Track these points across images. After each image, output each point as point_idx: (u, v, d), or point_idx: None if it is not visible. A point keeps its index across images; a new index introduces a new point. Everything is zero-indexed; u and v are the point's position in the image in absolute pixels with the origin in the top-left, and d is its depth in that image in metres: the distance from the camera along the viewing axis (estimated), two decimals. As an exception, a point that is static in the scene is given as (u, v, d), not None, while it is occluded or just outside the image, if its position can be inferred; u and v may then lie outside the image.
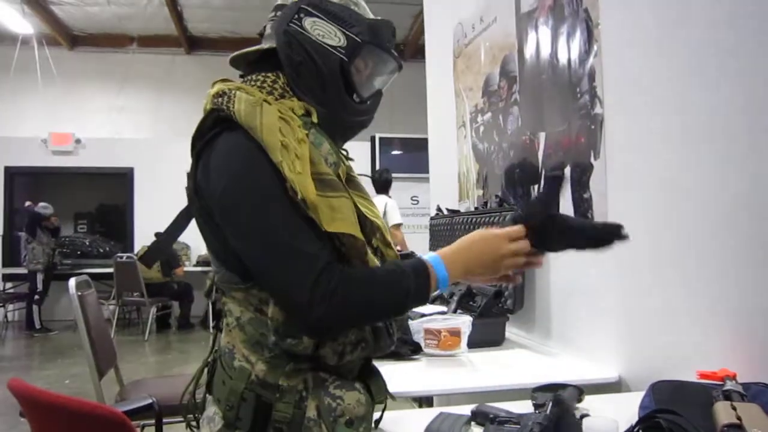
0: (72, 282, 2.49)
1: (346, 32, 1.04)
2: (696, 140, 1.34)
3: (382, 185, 5.42)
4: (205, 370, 1.07)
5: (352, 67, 1.04)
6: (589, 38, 1.74)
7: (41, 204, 7.28)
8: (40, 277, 7.04)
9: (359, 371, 1.04)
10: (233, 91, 0.96)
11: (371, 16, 1.10)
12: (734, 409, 0.94)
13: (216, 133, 0.96)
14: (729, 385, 1.08)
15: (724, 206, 1.27)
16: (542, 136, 2.03)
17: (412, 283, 0.94)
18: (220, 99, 0.96)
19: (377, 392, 1.02)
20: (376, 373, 1.07)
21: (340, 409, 0.93)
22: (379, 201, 5.31)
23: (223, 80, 1.03)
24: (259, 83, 1.03)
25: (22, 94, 9.12)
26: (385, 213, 5.03)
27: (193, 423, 1.07)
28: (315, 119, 1.01)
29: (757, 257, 1.18)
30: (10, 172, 8.30)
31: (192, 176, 0.99)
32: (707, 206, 1.31)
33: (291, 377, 0.94)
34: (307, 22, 1.04)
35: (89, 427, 1.26)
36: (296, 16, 1.04)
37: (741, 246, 1.23)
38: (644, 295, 1.54)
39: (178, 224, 1.09)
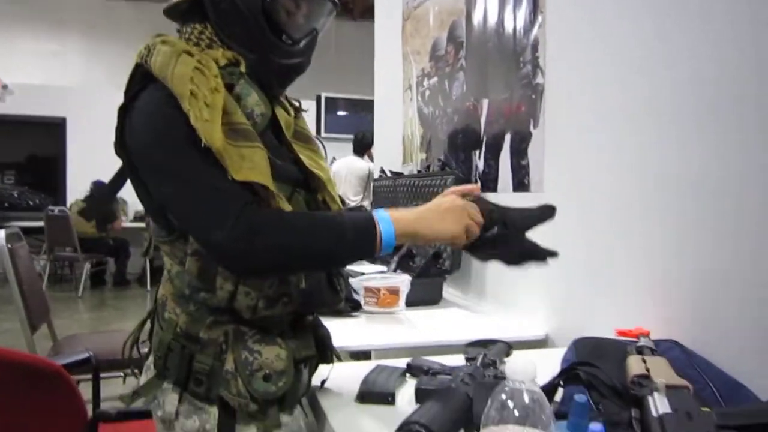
0: (1, 234, 2.40)
1: None
2: (630, 116, 1.41)
3: (363, 147, 5.36)
4: (147, 321, 1.09)
5: (278, 6, 1.00)
6: (535, 9, 1.78)
7: None
8: None
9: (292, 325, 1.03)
10: (156, 45, 0.95)
11: None
12: (644, 362, 1.03)
13: (140, 88, 0.95)
14: (642, 342, 1.17)
15: (646, 177, 1.35)
16: (485, 102, 2.08)
17: (350, 234, 0.91)
18: (145, 52, 0.95)
19: (302, 348, 1.01)
20: (306, 329, 1.05)
21: (257, 363, 0.94)
22: (360, 163, 5.29)
23: (159, 35, 1.00)
24: (187, 35, 1.02)
25: (-58, 33, 8.49)
26: (369, 175, 5.00)
27: (133, 373, 1.11)
28: (243, 69, 0.99)
29: (674, 226, 1.28)
30: (-72, 116, 7.77)
31: (118, 132, 0.98)
32: (631, 177, 1.39)
33: (211, 330, 0.96)
34: None
35: (24, 379, 1.25)
36: None
37: (660, 215, 1.32)
38: (571, 260, 1.62)
39: (117, 178, 1.06)
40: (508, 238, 1.03)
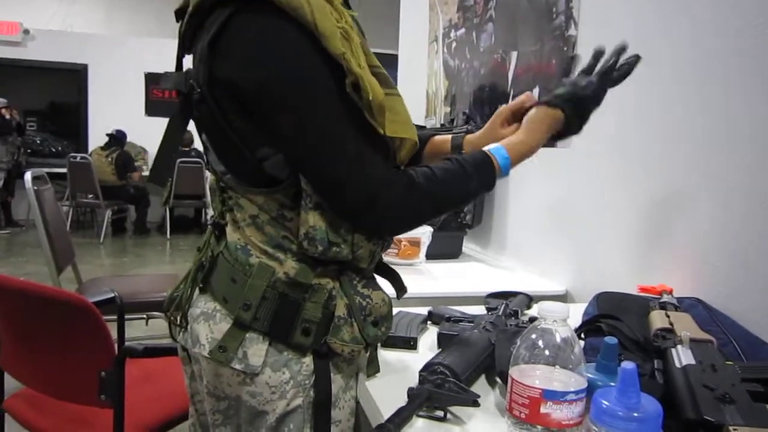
0: (28, 176, 2.44)
1: None
2: (672, 67, 1.38)
3: None
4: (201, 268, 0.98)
5: None
6: (570, -44, 1.71)
7: None
8: (2, 175, 6.84)
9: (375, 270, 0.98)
10: None
11: None
12: (668, 316, 1.03)
13: (231, 13, 0.79)
14: (665, 298, 1.17)
15: (672, 133, 1.32)
16: (514, 55, 2.03)
17: (474, 175, 0.90)
18: None
19: (399, 289, 1.00)
20: (393, 271, 1.01)
21: (369, 308, 0.89)
22: None
23: None
24: None
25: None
26: None
27: (177, 321, 1.00)
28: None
29: (698, 184, 1.26)
30: (-52, 60, 7.81)
31: (204, 67, 0.82)
32: (657, 132, 1.37)
33: (321, 276, 0.88)
34: None
35: (56, 314, 1.29)
36: None
37: (683, 173, 1.29)
38: (593, 215, 1.62)
39: (175, 131, 0.91)
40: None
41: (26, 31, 7.90)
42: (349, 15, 0.83)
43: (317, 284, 0.87)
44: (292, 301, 0.87)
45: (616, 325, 1.03)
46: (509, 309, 1.16)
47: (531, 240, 1.94)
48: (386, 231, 0.91)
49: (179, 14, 0.90)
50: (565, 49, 1.73)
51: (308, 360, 0.88)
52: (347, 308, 0.88)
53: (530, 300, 1.35)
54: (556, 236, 1.79)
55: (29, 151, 7.45)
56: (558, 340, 0.61)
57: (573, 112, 1.01)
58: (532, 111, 1.02)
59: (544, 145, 1.03)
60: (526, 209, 1.98)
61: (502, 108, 1.08)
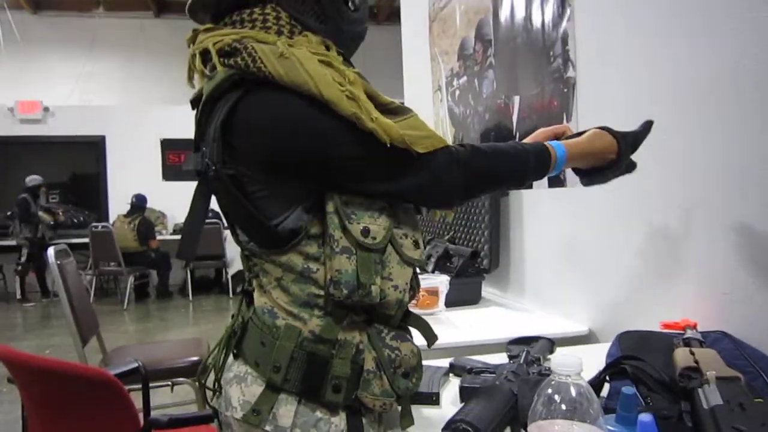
0: (51, 251, 2.49)
1: None
2: (665, 102, 1.39)
3: None
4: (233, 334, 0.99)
5: None
6: (563, 2, 1.76)
7: (28, 180, 7.26)
8: (24, 251, 7.02)
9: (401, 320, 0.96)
10: (249, 45, 0.84)
11: None
12: (692, 354, 1.01)
13: (240, 95, 0.85)
14: (689, 334, 1.15)
15: (688, 167, 1.33)
16: (516, 99, 2.07)
17: (533, 157, 0.98)
18: (235, 58, 0.85)
19: (429, 338, 0.98)
20: (422, 320, 0.99)
21: (399, 359, 0.88)
22: None
23: (207, 29, 0.91)
24: (259, 24, 0.91)
25: (-15, 61, 8.83)
26: None
27: (208, 386, 1.01)
28: (335, 51, 0.93)
29: (718, 215, 1.25)
30: (-24, 142, 8.10)
31: (217, 146, 0.87)
32: (673, 167, 1.37)
33: (348, 330, 0.89)
34: None
35: (79, 389, 1.30)
36: None
37: (704, 205, 1.29)
38: (613, 252, 1.61)
39: (200, 205, 0.95)
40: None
41: (46, 109, 8.20)
42: (352, 71, 0.88)
43: (344, 339, 0.88)
44: (320, 359, 0.87)
45: (641, 366, 1.01)
46: (531, 356, 1.15)
47: (550, 281, 1.93)
48: (469, 185, 0.93)
49: (194, 103, 0.96)
50: (565, 90, 1.75)
51: (337, 420, 0.88)
52: (375, 361, 0.88)
53: (552, 344, 1.33)
54: (575, 275, 1.78)
55: (52, 224, 7.62)
56: (574, 394, 0.60)
57: (628, 146, 1.10)
58: (594, 129, 1.10)
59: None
60: (543, 250, 1.97)
61: (547, 129, 1.17)
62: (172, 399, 2.95)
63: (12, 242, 7.33)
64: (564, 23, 1.76)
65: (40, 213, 7.21)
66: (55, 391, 1.34)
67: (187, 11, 0.97)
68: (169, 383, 2.59)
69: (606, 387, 1.02)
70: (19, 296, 7.14)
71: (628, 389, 0.75)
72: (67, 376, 1.27)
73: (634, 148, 1.12)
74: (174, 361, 2.60)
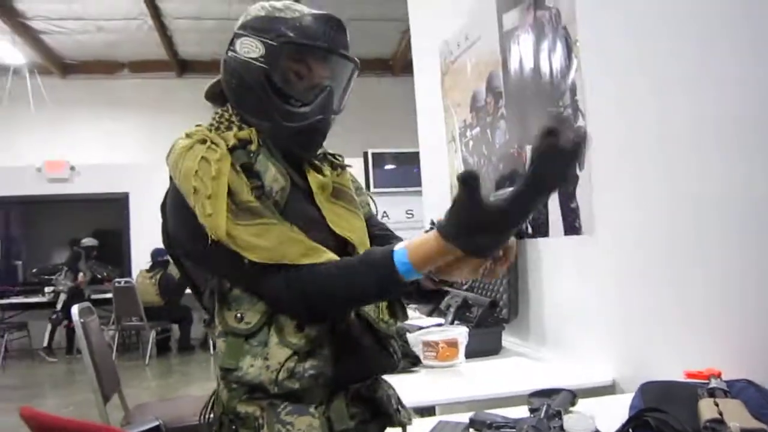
0: (75, 309, 2.53)
1: (264, 40, 1.01)
2: (676, 149, 1.41)
3: None
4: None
5: (281, 72, 1.02)
6: (569, 54, 1.80)
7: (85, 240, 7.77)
8: (62, 297, 7.14)
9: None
10: (176, 142, 1.02)
11: (310, 13, 1.05)
12: (717, 405, 0.99)
13: (170, 185, 1.03)
14: (714, 383, 1.13)
15: (706, 211, 1.32)
16: (529, 148, 2.09)
17: (372, 284, 0.91)
18: (169, 151, 1.02)
19: (338, 420, 0.96)
20: (340, 402, 0.98)
21: None
22: None
23: (197, 125, 1.07)
24: (216, 120, 1.07)
25: (16, 124, 9.16)
26: None
27: None
28: (254, 147, 1.01)
29: (745, 261, 1.23)
30: (5, 201, 8.33)
31: (163, 227, 1.06)
32: (690, 212, 1.37)
33: (247, 404, 0.96)
34: (237, 45, 1.05)
35: (101, 450, 1.30)
36: (231, 42, 1.06)
37: (727, 250, 1.28)
38: (635, 300, 1.59)
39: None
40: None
41: (72, 168, 8.44)
42: (225, 167, 0.96)
43: (244, 412, 0.95)
44: (234, 428, 0.96)
45: (664, 419, 1.00)
46: (552, 410, 1.14)
47: (571, 330, 1.91)
48: (311, 307, 0.93)
49: None
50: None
51: None
52: None
53: (574, 396, 1.31)
54: (597, 324, 1.76)
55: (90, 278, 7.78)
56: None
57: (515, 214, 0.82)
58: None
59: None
60: (563, 298, 1.96)
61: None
62: (193, 457, 2.92)
63: (41, 299, 7.44)
64: (572, 74, 1.80)
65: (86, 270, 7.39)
66: (77, 453, 1.34)
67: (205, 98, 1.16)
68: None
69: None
70: (45, 344, 7.18)
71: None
72: (89, 437, 1.27)
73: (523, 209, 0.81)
74: (195, 418, 2.59)
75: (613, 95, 1.63)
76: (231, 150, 0.99)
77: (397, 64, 9.59)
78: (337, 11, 1.11)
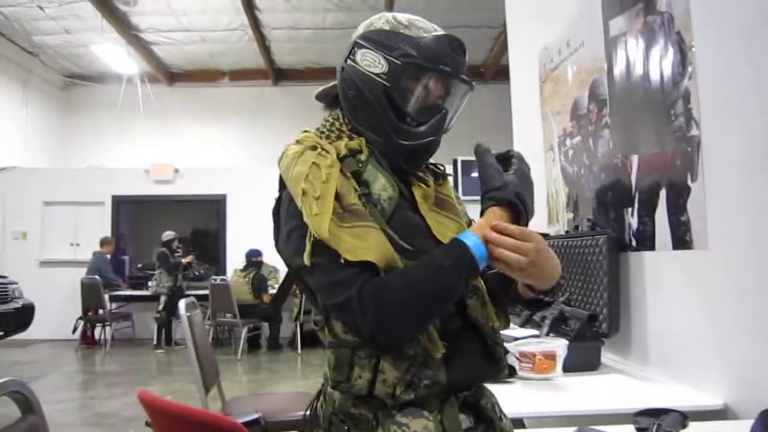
0: (182, 303, 2.69)
1: (388, 56, 1.02)
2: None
3: None
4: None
5: (401, 90, 1.03)
6: (683, 60, 1.73)
7: (165, 233, 8.03)
8: (163, 299, 7.61)
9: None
10: (288, 147, 1.05)
11: (433, 34, 1.06)
12: None
13: (282, 187, 1.08)
14: None
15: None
16: (635, 158, 2.02)
17: (444, 259, 0.93)
18: (280, 156, 1.06)
19: (449, 425, 0.97)
20: (452, 407, 0.99)
21: None
22: None
23: (305, 131, 1.11)
24: (326, 126, 1.10)
25: (128, 129, 9.89)
26: None
27: None
28: (364, 156, 1.04)
29: None
30: (116, 200, 8.96)
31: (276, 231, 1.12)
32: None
33: (359, 407, 0.98)
34: (358, 55, 1.06)
35: (212, 437, 1.38)
36: (351, 51, 1.08)
37: None
38: (752, 320, 1.49)
39: (286, 281, 1.22)
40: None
41: (176, 170, 8.96)
42: (334, 171, 0.98)
43: (357, 414, 0.98)
44: (345, 428, 0.98)
45: (792, 449, 0.94)
46: (662, 430, 1.09)
47: (678, 348, 1.81)
48: (374, 331, 0.91)
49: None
50: (689, 149, 1.70)
51: None
52: None
53: (685, 418, 1.25)
54: (707, 344, 1.66)
55: (190, 275, 8.22)
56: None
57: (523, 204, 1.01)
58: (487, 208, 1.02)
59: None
60: (669, 315, 1.87)
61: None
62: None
63: (144, 293, 7.96)
64: (686, 81, 1.72)
65: (182, 260, 7.82)
66: (190, 438, 1.43)
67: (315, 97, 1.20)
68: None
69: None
70: (155, 342, 7.68)
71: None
72: (203, 424, 1.35)
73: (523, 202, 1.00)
74: (287, 414, 2.68)
75: (731, 103, 1.55)
76: (341, 159, 1.02)
77: (488, 71, 9.51)
78: (429, 18, 1.12)
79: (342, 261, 0.92)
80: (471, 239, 0.94)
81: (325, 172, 0.97)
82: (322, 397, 1.08)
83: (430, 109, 1.06)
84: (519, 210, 0.98)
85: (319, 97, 1.19)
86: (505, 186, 0.99)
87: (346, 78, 1.09)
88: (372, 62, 1.04)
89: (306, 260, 0.94)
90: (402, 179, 1.09)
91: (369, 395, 0.96)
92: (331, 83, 1.17)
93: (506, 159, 1.06)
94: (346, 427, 0.99)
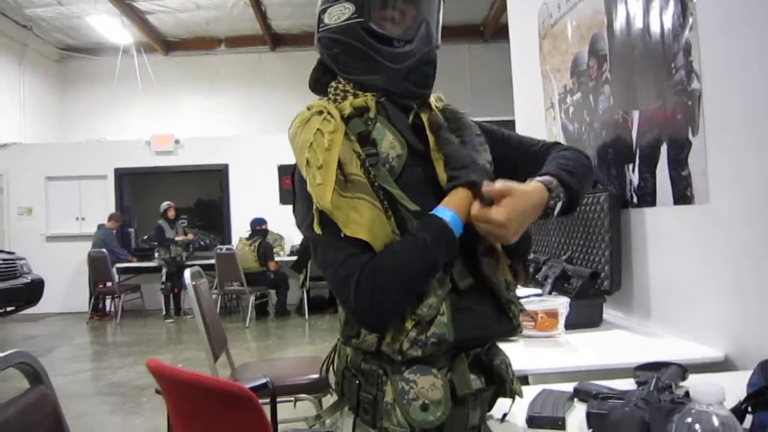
0: (187, 273, 2.71)
1: None
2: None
3: None
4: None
5: (376, 21, 1.04)
6: (684, 11, 1.69)
7: (162, 204, 8.03)
8: (164, 270, 7.68)
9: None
10: (298, 114, 1.04)
11: None
12: None
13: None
14: None
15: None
16: (636, 114, 2.00)
17: (426, 237, 0.94)
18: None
19: (459, 384, 0.97)
20: (462, 365, 0.99)
21: (414, 392, 0.94)
22: None
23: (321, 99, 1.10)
24: (331, 94, 1.09)
25: (126, 100, 9.81)
26: None
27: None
28: (372, 114, 1.03)
29: None
30: (119, 173, 8.96)
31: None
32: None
33: (369, 362, 1.00)
34: (326, 17, 1.08)
35: (220, 402, 1.41)
36: (319, 21, 1.10)
37: None
38: (751, 271, 1.50)
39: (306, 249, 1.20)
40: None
41: (177, 141, 8.93)
42: (337, 138, 0.97)
43: (368, 369, 1.00)
44: (356, 382, 1.01)
45: (789, 397, 0.95)
46: (661, 383, 1.10)
47: (679, 303, 1.83)
48: (366, 315, 0.94)
49: None
50: (690, 103, 1.68)
51: None
52: (393, 392, 0.96)
53: (684, 371, 1.27)
54: (708, 297, 1.68)
55: (190, 247, 8.26)
56: (716, 424, 0.58)
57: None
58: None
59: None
60: (670, 270, 1.87)
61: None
62: (293, 414, 3.09)
63: (151, 264, 8.03)
64: (686, 33, 1.69)
65: (176, 238, 7.85)
66: (199, 403, 1.46)
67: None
68: (292, 399, 2.71)
69: (748, 419, 0.96)
70: (164, 313, 7.79)
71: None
72: (210, 389, 1.38)
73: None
74: (296, 378, 2.72)
75: (733, 55, 1.52)
76: (348, 119, 1.01)
77: (488, 30, 9.35)
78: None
79: (342, 236, 0.93)
80: (447, 214, 0.96)
81: (328, 139, 0.97)
82: (336, 354, 1.11)
83: (411, 27, 1.06)
84: (479, 187, 0.97)
85: (313, 86, 1.18)
86: (467, 167, 1.01)
87: (326, 43, 1.09)
88: (340, 12, 1.06)
89: (317, 229, 0.95)
90: (416, 131, 1.06)
91: (377, 351, 0.97)
92: (314, 66, 1.16)
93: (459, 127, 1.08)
94: (357, 382, 1.01)
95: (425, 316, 0.95)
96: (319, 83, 1.16)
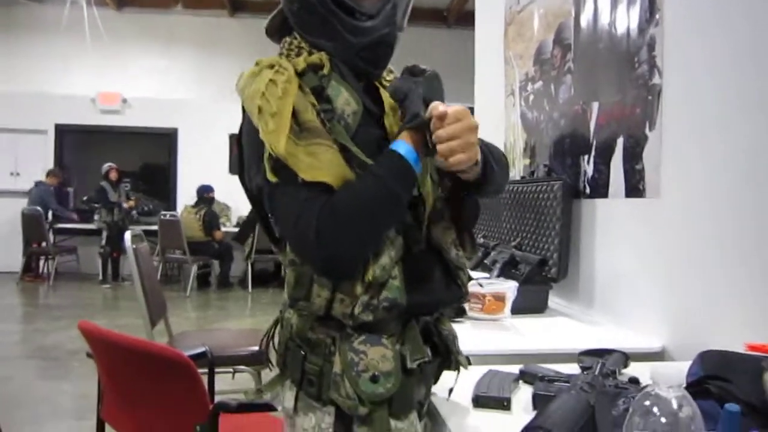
0: (127, 235, 2.60)
1: None
2: (758, 116, 1.33)
3: None
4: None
5: None
6: (651, 7, 1.70)
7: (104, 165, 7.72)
8: (104, 234, 7.40)
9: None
10: (247, 70, 1.00)
11: None
12: (785, 377, 0.95)
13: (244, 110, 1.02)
14: (779, 357, 1.09)
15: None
16: (595, 105, 2.01)
17: (382, 170, 0.92)
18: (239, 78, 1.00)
19: (413, 351, 0.96)
20: (415, 333, 0.99)
21: (363, 363, 0.92)
22: None
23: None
24: (284, 49, 1.05)
25: (72, 54, 9.30)
26: None
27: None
28: (326, 71, 0.99)
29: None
30: (60, 129, 8.54)
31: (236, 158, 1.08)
32: (759, 179, 1.30)
33: (317, 331, 0.97)
34: None
35: (155, 368, 1.35)
36: None
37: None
38: (692, 267, 1.54)
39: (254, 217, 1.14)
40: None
41: (124, 100, 8.57)
42: (291, 87, 0.93)
43: (315, 338, 0.97)
44: (301, 354, 0.97)
45: (727, 388, 0.97)
46: (606, 368, 1.12)
47: (622, 293, 1.87)
48: (331, 259, 0.90)
49: None
50: (650, 97, 1.70)
51: (330, 409, 0.95)
52: (341, 363, 0.93)
53: (627, 358, 1.29)
54: (650, 289, 1.72)
55: (133, 217, 7.97)
56: (675, 407, 0.58)
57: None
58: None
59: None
60: (616, 261, 1.91)
61: None
62: (231, 386, 3.03)
63: (90, 226, 7.72)
64: (651, 29, 1.70)
65: (123, 204, 7.58)
66: (133, 368, 1.39)
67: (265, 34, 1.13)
68: (231, 370, 2.66)
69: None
70: (101, 278, 7.51)
71: (732, 406, 0.71)
72: (145, 354, 1.32)
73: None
74: (236, 349, 2.66)
75: (697, 54, 1.54)
76: (301, 74, 0.97)
77: (452, 16, 9.33)
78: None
79: (300, 181, 0.89)
80: (402, 147, 0.93)
81: (281, 87, 0.93)
82: (278, 327, 1.07)
83: (377, 2, 1.02)
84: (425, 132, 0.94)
85: (270, 32, 1.13)
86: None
87: None
88: None
89: (270, 177, 0.90)
90: (370, 93, 1.03)
91: (327, 316, 0.95)
92: (275, 11, 1.11)
93: (416, 74, 1.03)
94: (302, 353, 0.97)
95: (378, 278, 0.92)
96: (275, 30, 1.11)
